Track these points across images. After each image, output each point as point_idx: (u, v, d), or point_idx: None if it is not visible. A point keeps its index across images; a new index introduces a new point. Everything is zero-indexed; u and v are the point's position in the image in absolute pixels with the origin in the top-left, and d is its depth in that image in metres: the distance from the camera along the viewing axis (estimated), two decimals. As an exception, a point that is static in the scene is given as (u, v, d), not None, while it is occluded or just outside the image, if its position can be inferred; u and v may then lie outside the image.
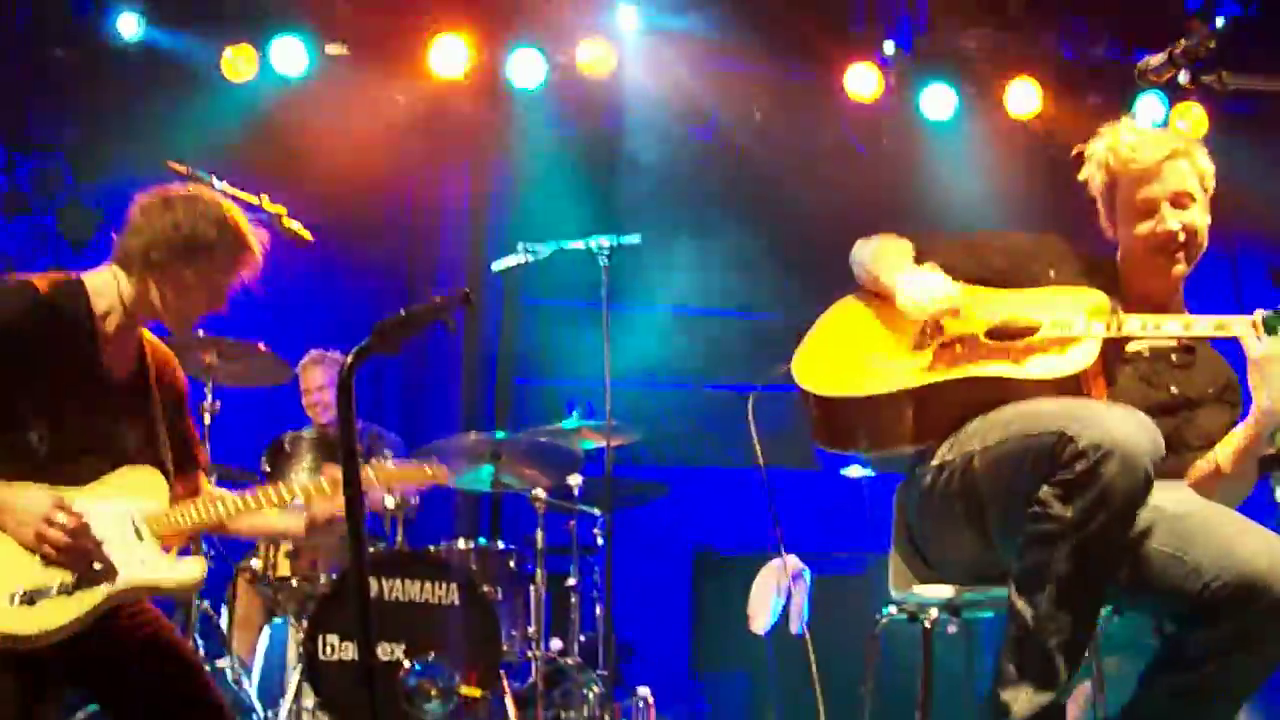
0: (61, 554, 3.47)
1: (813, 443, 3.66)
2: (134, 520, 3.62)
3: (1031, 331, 3.42)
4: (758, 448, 4.14)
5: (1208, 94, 7.85)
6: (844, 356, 3.63)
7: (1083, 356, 3.33)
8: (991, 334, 3.47)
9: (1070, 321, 3.39)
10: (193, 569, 3.75)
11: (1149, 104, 8.07)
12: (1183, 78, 3.34)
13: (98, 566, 3.52)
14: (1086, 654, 3.22)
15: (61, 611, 3.46)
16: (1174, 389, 3.54)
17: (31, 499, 3.46)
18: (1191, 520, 3.22)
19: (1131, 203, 3.52)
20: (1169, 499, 3.27)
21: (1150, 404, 3.45)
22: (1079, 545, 3.03)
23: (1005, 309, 3.51)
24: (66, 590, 3.46)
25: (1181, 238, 3.48)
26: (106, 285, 3.68)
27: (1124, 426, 3.03)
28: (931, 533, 3.54)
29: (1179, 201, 3.49)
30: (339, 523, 3.88)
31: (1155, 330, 3.39)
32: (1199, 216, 3.52)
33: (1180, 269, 3.53)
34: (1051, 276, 3.58)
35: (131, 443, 3.72)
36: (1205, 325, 3.35)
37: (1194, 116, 8.17)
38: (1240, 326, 3.31)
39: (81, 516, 3.50)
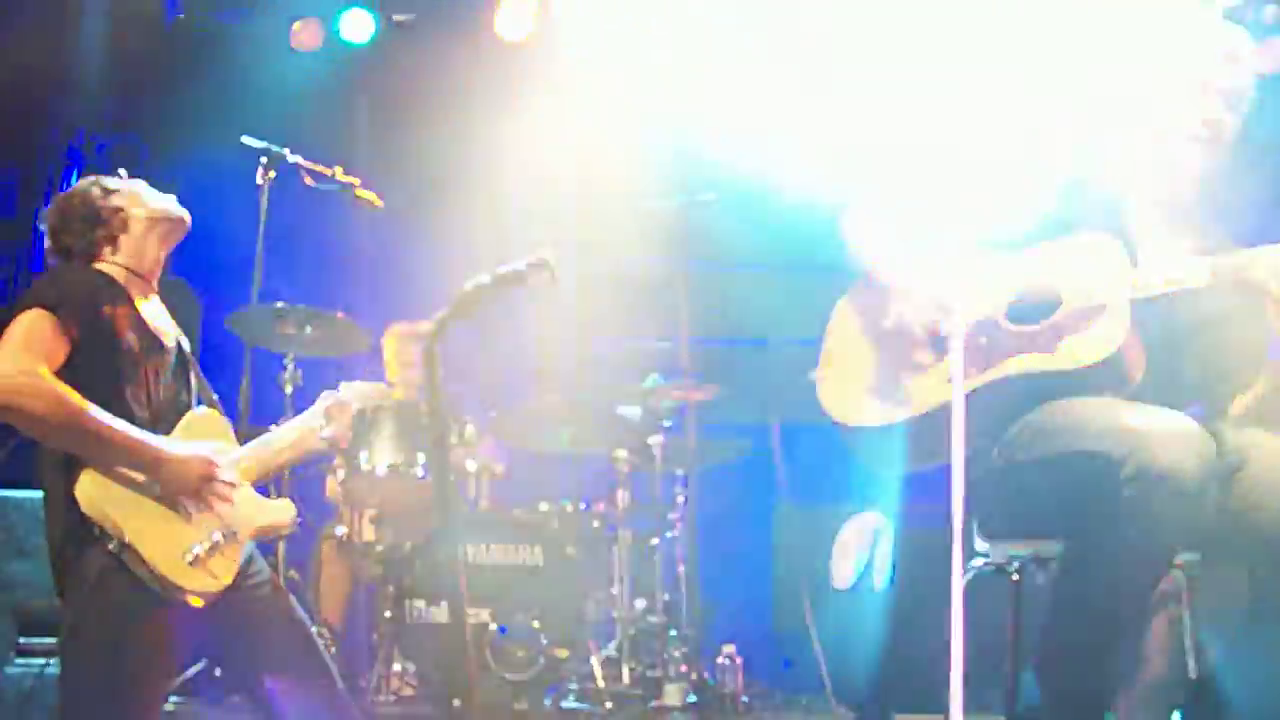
0: (215, 508, 3.57)
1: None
2: (228, 465, 3.69)
3: (1053, 306, 3.32)
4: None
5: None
6: (869, 373, 3.54)
7: (1114, 331, 3.21)
8: (1011, 314, 3.37)
9: (1090, 288, 3.27)
10: (288, 509, 3.87)
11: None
12: (1270, 13, 3.27)
13: (234, 517, 3.61)
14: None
15: (227, 565, 3.57)
16: (1200, 311, 3.41)
17: (187, 454, 3.55)
18: (1275, 461, 3.15)
19: (1199, 82, 3.42)
20: (1239, 437, 3.21)
21: (1181, 336, 3.39)
22: (1128, 567, 3.01)
23: (1019, 280, 3.39)
24: (219, 545, 3.54)
25: (1220, 134, 3.40)
26: (111, 265, 3.81)
27: (1172, 449, 2.94)
28: (998, 523, 3.51)
29: (1239, 106, 3.42)
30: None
31: (1181, 281, 3.22)
32: (1236, 131, 3.44)
33: (1202, 163, 3.42)
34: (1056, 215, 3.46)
35: (188, 398, 3.85)
36: (1227, 266, 3.18)
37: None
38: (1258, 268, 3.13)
39: (226, 470, 3.61)
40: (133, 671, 3.39)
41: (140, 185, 3.95)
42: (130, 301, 3.73)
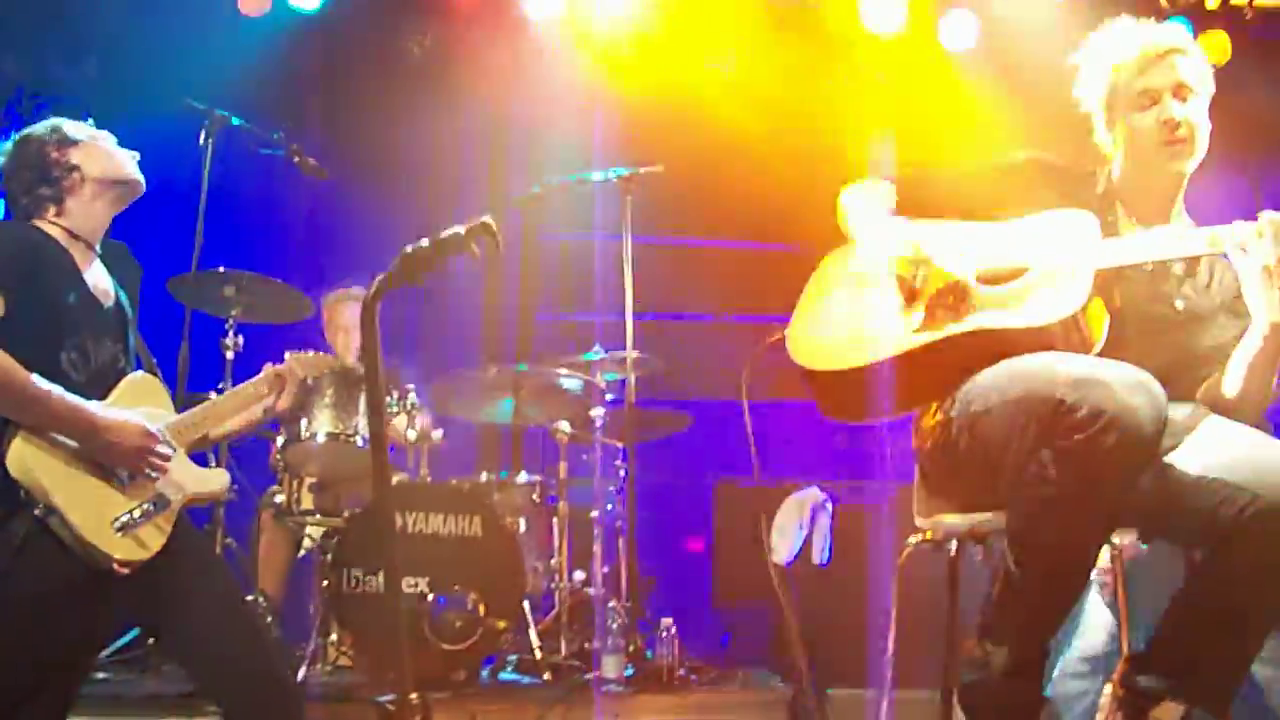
0: (149, 477, 3.55)
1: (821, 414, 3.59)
2: (163, 432, 3.67)
3: (1021, 271, 3.32)
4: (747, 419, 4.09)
5: (1234, 19, 7.80)
6: (837, 322, 3.53)
7: (1076, 294, 3.20)
8: (981, 278, 3.36)
9: (1059, 254, 3.28)
10: (222, 476, 3.89)
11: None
12: (1210, 1, 3.27)
13: (167, 484, 3.60)
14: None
15: (156, 533, 3.55)
16: (1179, 304, 3.45)
17: (124, 423, 3.53)
18: (1220, 442, 3.18)
19: (1133, 94, 3.44)
20: (1191, 420, 3.24)
21: (1155, 322, 3.40)
22: (1071, 516, 2.97)
23: (993, 247, 3.40)
24: (150, 513, 3.52)
25: (1183, 131, 3.38)
26: (51, 225, 3.74)
27: (1125, 394, 2.90)
28: (945, 481, 3.50)
29: (1180, 93, 3.41)
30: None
31: (1146, 253, 3.28)
32: (1200, 113, 3.43)
33: (1180, 166, 3.43)
34: (1040, 199, 3.46)
35: (126, 361, 3.81)
36: (1199, 242, 3.22)
37: (1218, 44, 8.06)
38: (1235, 237, 3.15)
39: (162, 441, 3.59)
40: (54, 637, 3.36)
41: (104, 141, 3.88)
42: (70, 261, 3.68)
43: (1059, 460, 2.94)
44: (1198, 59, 3.47)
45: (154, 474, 3.57)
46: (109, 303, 3.79)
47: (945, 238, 3.44)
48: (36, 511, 3.36)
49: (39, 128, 3.84)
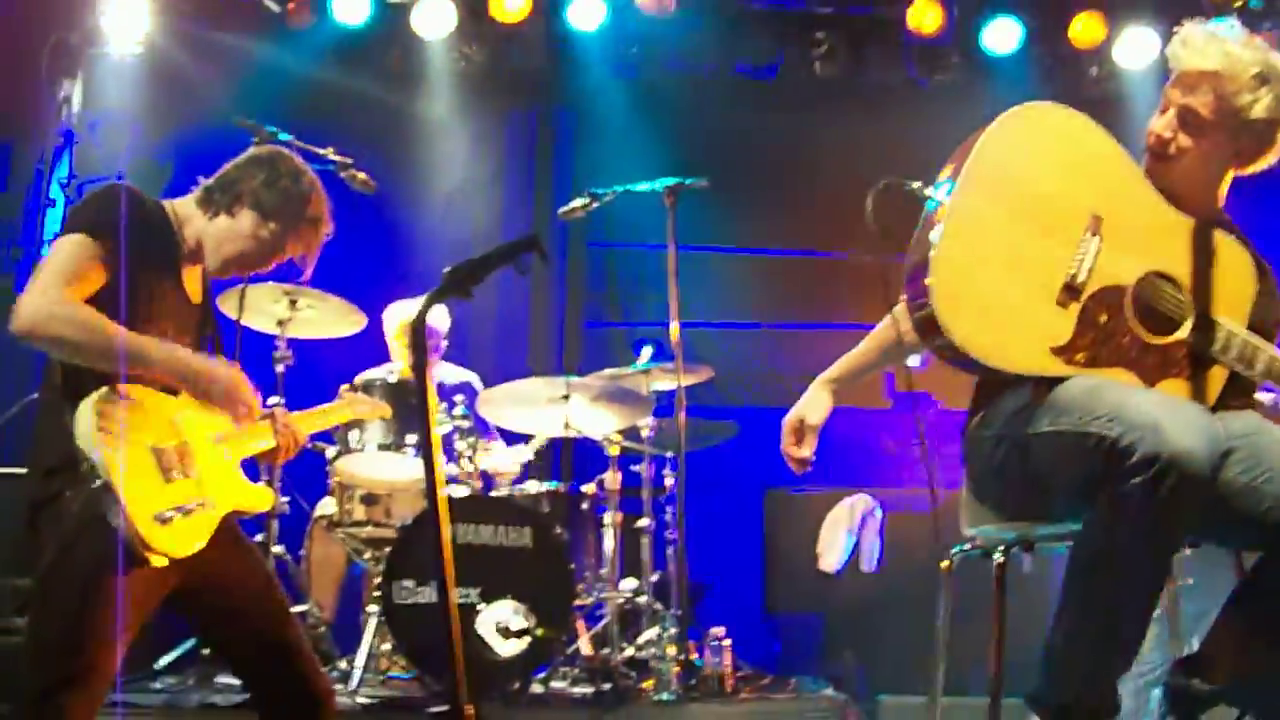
0: (236, 413, 3.63)
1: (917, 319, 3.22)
2: (220, 442, 3.70)
3: (1174, 326, 3.24)
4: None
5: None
6: (993, 274, 3.15)
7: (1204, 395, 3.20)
8: (1140, 297, 3.23)
9: (1223, 335, 3.22)
10: (268, 495, 3.87)
11: (1219, 30, 7.84)
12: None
13: (214, 489, 3.61)
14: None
15: (196, 534, 3.53)
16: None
17: (219, 367, 3.59)
18: (1265, 444, 3.14)
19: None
20: (1240, 424, 3.19)
21: None
22: (1132, 562, 2.93)
23: (1170, 253, 3.27)
24: (194, 512, 3.52)
25: (1149, 140, 3.36)
26: (191, 215, 3.76)
27: (1184, 436, 2.85)
28: (991, 493, 3.46)
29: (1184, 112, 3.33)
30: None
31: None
32: (1181, 131, 3.33)
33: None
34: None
35: None
36: None
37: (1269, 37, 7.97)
38: None
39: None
40: (99, 618, 3.34)
41: (311, 241, 3.93)
42: (176, 250, 3.71)
43: (1115, 508, 2.91)
44: (1238, 91, 3.29)
45: (242, 412, 3.63)
46: (196, 301, 3.82)
47: (1129, 211, 3.28)
48: (95, 485, 3.35)
49: (310, 177, 3.88)
